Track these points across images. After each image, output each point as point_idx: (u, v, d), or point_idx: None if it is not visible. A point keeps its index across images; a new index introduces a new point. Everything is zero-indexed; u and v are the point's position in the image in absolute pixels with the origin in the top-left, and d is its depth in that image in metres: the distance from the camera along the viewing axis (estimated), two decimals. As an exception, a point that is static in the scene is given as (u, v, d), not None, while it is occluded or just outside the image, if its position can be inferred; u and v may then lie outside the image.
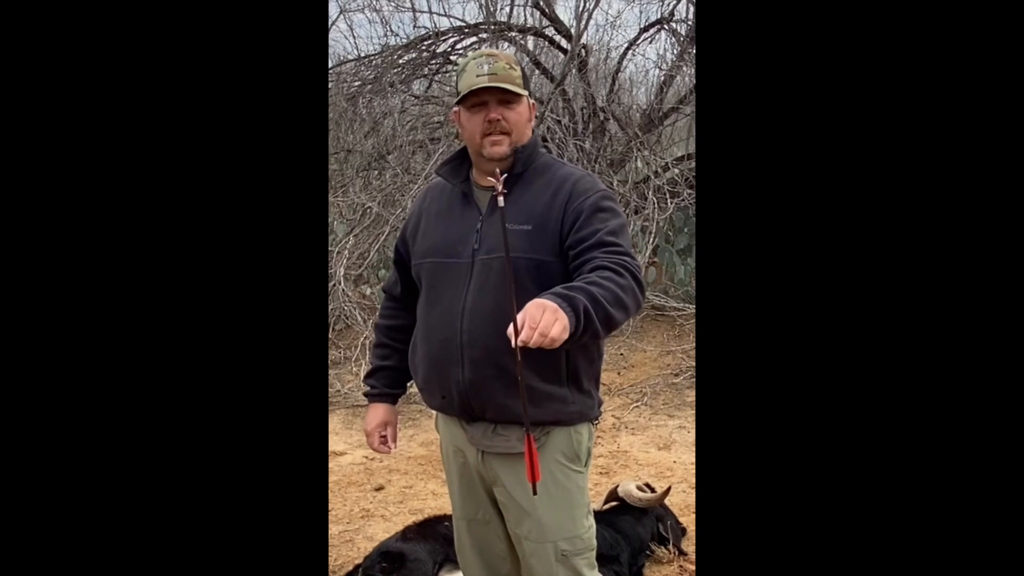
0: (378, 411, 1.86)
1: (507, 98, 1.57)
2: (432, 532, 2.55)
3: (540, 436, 1.60)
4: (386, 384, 1.85)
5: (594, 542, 1.69)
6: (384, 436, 1.85)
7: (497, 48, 6.55)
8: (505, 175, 1.49)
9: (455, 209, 1.66)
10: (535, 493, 1.45)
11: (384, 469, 3.61)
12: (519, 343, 1.27)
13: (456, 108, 1.63)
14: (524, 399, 1.35)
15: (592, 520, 1.70)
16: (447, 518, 2.64)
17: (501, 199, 1.39)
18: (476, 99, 1.57)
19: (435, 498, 3.29)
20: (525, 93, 1.60)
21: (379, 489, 3.40)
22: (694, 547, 2.80)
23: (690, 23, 6.25)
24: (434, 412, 1.82)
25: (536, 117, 1.71)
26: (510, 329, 1.28)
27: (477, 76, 1.56)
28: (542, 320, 1.28)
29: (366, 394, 1.88)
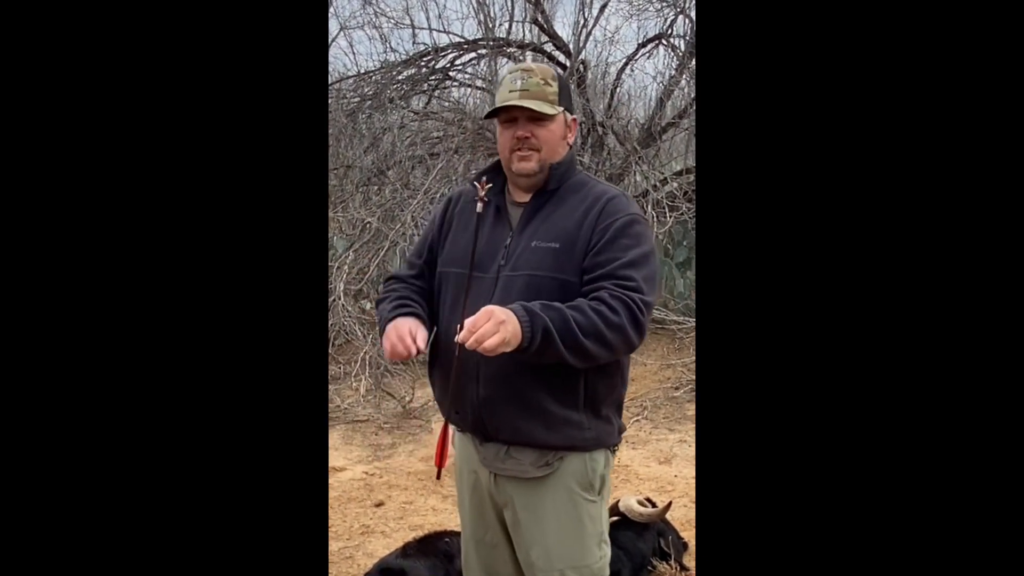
0: (407, 319, 1.57)
1: (537, 115, 1.54)
2: (432, 548, 2.53)
3: (553, 461, 1.57)
4: (414, 311, 1.60)
5: (606, 572, 1.64)
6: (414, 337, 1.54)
7: (495, 64, 6.58)
8: (490, 184, 1.50)
9: (486, 222, 1.62)
10: (439, 477, 1.53)
11: (384, 485, 3.59)
12: (458, 340, 1.34)
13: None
14: (456, 386, 1.46)
15: (606, 549, 1.64)
16: (447, 534, 2.64)
17: (480, 205, 1.39)
18: (507, 115, 1.55)
19: (435, 514, 3.28)
20: (557, 111, 1.56)
21: (379, 505, 3.39)
22: (695, 562, 2.79)
23: (688, 38, 6.29)
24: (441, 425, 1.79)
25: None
26: (457, 326, 1.36)
27: (510, 91, 1.53)
28: (483, 327, 1.32)
29: (392, 316, 1.59)
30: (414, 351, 1.50)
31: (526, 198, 1.60)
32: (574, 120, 1.63)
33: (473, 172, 6.27)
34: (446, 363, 1.58)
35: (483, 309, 1.34)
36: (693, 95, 6.18)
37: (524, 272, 1.51)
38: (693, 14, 6.25)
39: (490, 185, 1.48)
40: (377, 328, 1.72)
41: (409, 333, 1.52)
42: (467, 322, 1.34)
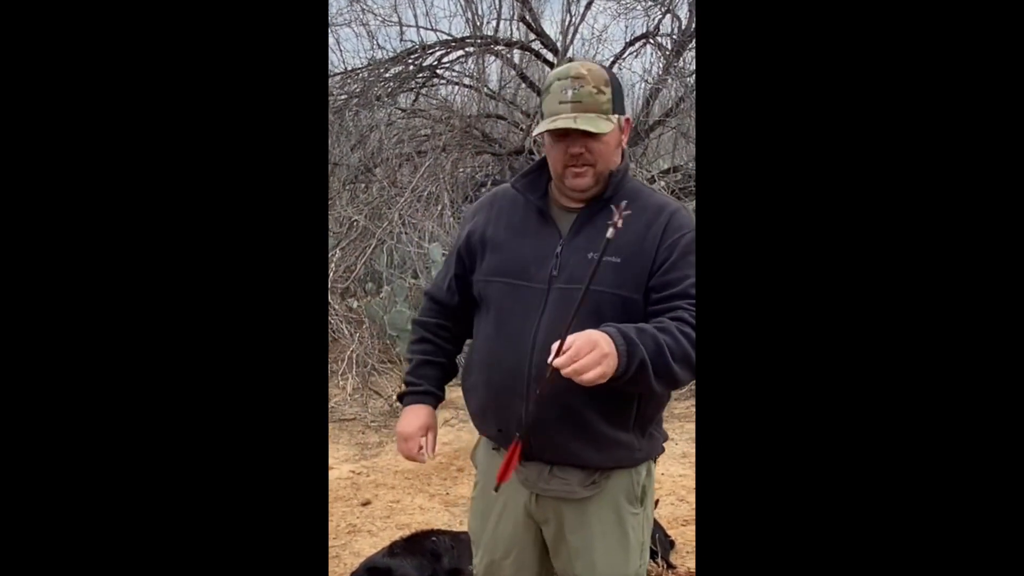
0: (420, 413, 1.64)
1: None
2: (419, 547, 2.53)
3: (600, 480, 1.52)
4: (433, 383, 1.65)
5: None
6: (422, 442, 1.64)
7: (483, 61, 6.57)
8: (628, 211, 1.31)
9: (530, 226, 1.52)
10: (496, 490, 1.46)
11: (371, 484, 3.58)
12: (554, 364, 1.24)
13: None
14: (529, 405, 1.38)
15: (646, 556, 1.62)
16: (434, 533, 2.63)
17: (611, 231, 1.26)
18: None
19: (422, 513, 3.27)
20: (613, 123, 1.45)
21: (366, 504, 3.38)
22: (681, 560, 2.80)
23: (675, 37, 6.31)
24: (453, 438, 1.72)
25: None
26: (553, 345, 1.25)
27: (560, 103, 1.42)
28: (586, 358, 1.23)
29: (408, 392, 1.66)
30: (424, 460, 1.65)
31: (576, 204, 1.51)
32: (627, 120, 1.52)
33: (461, 171, 6.29)
34: (489, 379, 1.53)
35: (586, 337, 1.25)
36: (680, 94, 6.20)
37: (582, 286, 1.42)
38: (680, 13, 6.28)
39: (628, 211, 1.31)
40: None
41: (418, 441, 1.63)
42: (569, 351, 1.24)
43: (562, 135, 1.44)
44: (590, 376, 1.24)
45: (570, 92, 1.42)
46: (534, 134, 1.53)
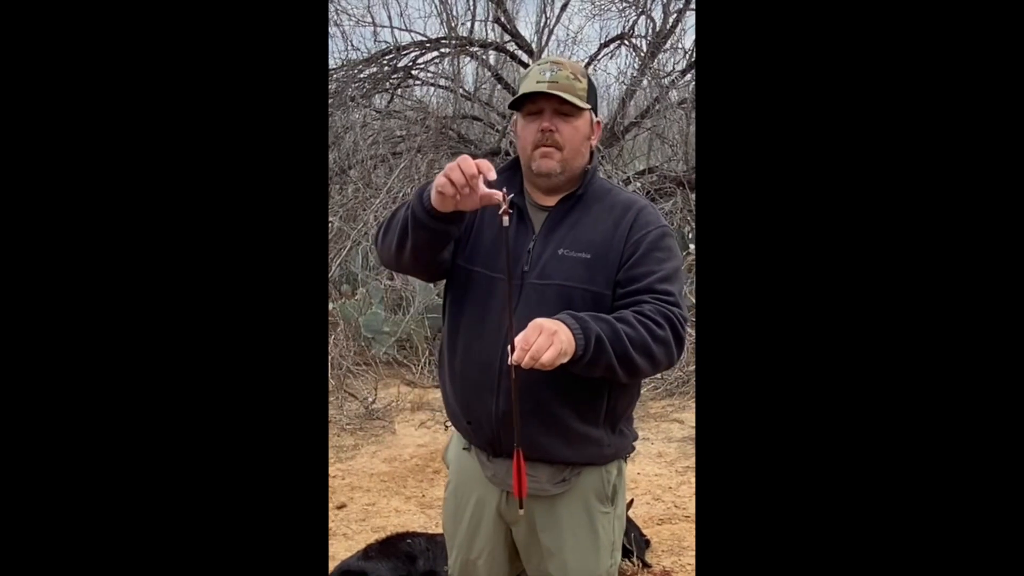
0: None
1: (565, 109, 1.46)
2: (394, 550, 2.52)
3: (570, 477, 1.53)
4: None
5: None
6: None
7: (458, 63, 6.56)
8: (512, 195, 1.36)
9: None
10: (521, 508, 1.43)
11: (346, 487, 3.56)
12: (512, 362, 1.27)
13: (516, 115, 1.54)
14: (516, 415, 1.34)
15: (617, 556, 1.63)
16: (409, 535, 2.62)
17: (506, 219, 1.31)
18: (533, 106, 1.47)
19: (398, 515, 3.26)
20: (587, 108, 1.49)
21: (341, 507, 3.35)
22: (657, 559, 2.81)
23: (650, 38, 6.34)
24: (429, 440, 1.69)
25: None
26: (508, 349, 1.27)
27: (537, 82, 1.46)
28: (536, 342, 1.25)
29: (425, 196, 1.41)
30: (489, 178, 1.33)
31: (548, 200, 1.54)
32: (598, 123, 1.56)
33: (437, 172, 6.24)
34: (462, 371, 1.53)
35: (531, 323, 1.28)
36: (655, 95, 6.24)
37: (555, 282, 1.46)
38: (655, 14, 6.31)
39: (511, 196, 1.36)
40: (394, 229, 1.50)
41: (476, 165, 1.32)
42: (518, 340, 1.26)
43: (535, 114, 1.48)
44: (548, 356, 1.25)
45: (548, 73, 1.46)
46: (508, 107, 1.53)
